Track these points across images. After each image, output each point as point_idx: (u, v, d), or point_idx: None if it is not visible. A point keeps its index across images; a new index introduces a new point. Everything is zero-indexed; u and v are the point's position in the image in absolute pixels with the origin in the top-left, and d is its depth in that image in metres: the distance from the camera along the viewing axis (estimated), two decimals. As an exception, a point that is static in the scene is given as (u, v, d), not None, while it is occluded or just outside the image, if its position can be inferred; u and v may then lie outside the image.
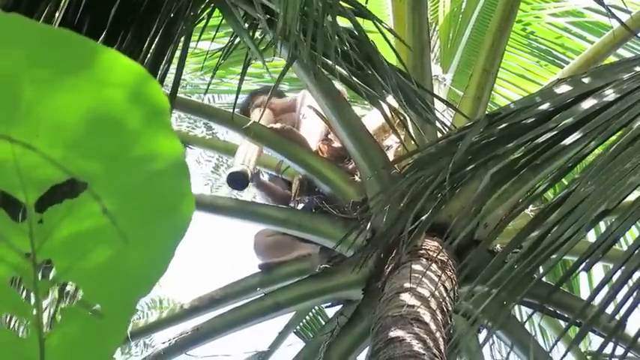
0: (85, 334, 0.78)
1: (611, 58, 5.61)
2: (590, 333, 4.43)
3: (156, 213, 0.71)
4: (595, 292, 2.49)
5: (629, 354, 4.42)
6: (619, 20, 3.84)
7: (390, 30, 3.88)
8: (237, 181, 5.15)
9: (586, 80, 3.19)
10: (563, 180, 3.38)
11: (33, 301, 0.79)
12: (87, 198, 0.69)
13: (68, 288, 3.52)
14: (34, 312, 0.78)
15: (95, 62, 0.65)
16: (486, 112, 4.64)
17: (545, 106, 3.05)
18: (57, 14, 2.99)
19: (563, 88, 3.18)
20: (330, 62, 3.39)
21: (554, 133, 2.82)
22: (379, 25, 3.67)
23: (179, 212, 0.71)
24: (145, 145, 0.67)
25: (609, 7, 3.78)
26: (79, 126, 0.65)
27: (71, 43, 0.64)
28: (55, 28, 0.64)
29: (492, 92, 5.62)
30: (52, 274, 0.79)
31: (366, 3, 3.79)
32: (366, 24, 3.80)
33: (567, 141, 2.74)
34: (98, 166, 0.67)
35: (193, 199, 0.71)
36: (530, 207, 4.55)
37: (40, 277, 0.77)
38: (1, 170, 0.69)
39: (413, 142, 4.37)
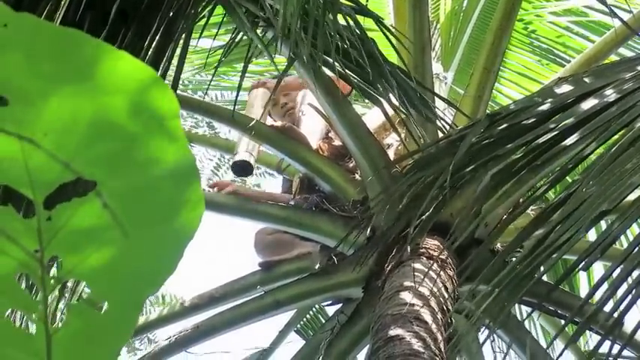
0: (92, 331, 0.79)
1: (613, 57, 5.62)
2: (593, 333, 4.43)
3: (162, 215, 0.72)
4: (593, 289, 2.50)
5: (628, 352, 4.43)
6: (620, 19, 3.84)
7: (389, 29, 3.87)
8: (242, 168, 5.19)
9: (587, 80, 3.20)
10: (567, 178, 3.39)
11: (39, 297, 0.79)
12: (94, 197, 0.70)
13: (69, 284, 3.53)
14: (41, 308, 0.78)
15: (103, 64, 0.65)
16: (487, 111, 4.64)
17: (545, 107, 3.05)
18: (58, 12, 3.00)
19: (564, 88, 3.18)
20: (331, 60, 3.39)
21: (555, 133, 2.82)
22: (380, 23, 3.67)
23: (186, 215, 0.71)
24: (150, 148, 0.67)
25: (611, 7, 3.79)
26: (86, 127, 0.65)
27: (80, 43, 0.65)
28: (64, 28, 0.64)
29: (493, 91, 5.64)
30: (56, 271, 0.79)
31: (367, 0, 3.79)
32: (368, 22, 3.80)
33: (568, 141, 2.75)
34: (103, 167, 0.67)
35: (203, 202, 0.72)
36: (532, 207, 4.55)
37: (47, 274, 0.78)
38: (10, 167, 0.70)
39: (414, 141, 4.37)
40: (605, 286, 2.40)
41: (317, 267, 5.16)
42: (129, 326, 0.82)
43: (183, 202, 0.74)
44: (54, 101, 0.66)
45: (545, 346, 5.50)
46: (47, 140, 0.68)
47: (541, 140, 2.86)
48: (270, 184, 7.05)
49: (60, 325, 0.81)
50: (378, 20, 3.68)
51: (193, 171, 0.73)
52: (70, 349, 0.80)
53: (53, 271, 0.83)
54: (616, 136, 2.70)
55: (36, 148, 0.67)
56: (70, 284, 3.52)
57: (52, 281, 0.79)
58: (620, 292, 2.33)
